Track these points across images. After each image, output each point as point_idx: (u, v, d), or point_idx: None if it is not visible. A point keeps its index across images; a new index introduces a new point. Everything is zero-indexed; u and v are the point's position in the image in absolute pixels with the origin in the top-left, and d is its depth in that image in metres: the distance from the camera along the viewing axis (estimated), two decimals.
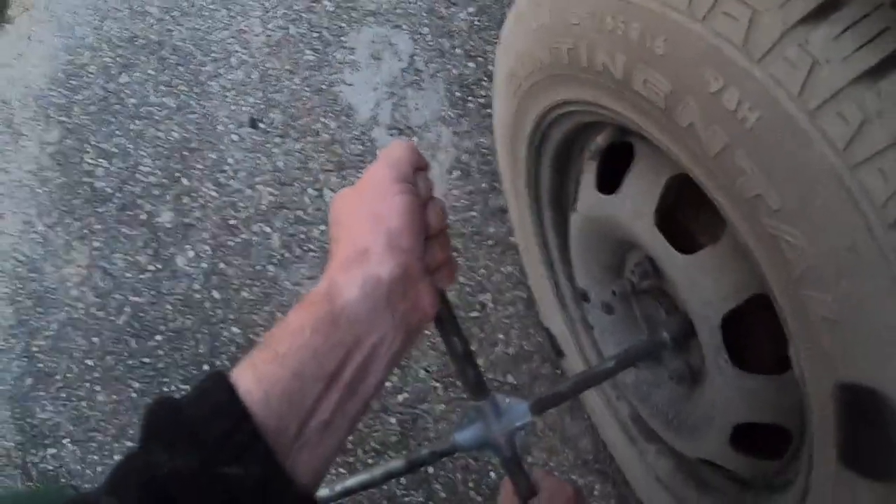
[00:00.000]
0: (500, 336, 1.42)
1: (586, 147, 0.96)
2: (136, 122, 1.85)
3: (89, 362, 1.66)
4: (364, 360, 0.42)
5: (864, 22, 0.47)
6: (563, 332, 1.28)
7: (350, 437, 1.49)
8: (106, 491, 0.35)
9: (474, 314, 1.42)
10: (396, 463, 0.70)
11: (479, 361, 1.45)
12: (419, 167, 0.49)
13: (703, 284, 0.71)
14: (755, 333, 0.72)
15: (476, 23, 1.62)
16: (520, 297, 1.41)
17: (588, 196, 0.91)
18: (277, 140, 1.65)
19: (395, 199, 0.45)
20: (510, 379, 1.41)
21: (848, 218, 0.47)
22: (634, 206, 0.79)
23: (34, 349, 1.71)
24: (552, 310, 1.29)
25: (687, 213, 0.78)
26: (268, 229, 1.57)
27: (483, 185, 1.47)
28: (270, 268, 1.54)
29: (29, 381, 1.69)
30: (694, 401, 0.84)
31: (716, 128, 0.54)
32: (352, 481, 0.70)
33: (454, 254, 1.49)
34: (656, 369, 0.94)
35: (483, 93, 1.54)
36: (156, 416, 0.38)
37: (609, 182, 0.85)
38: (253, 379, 0.39)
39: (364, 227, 0.44)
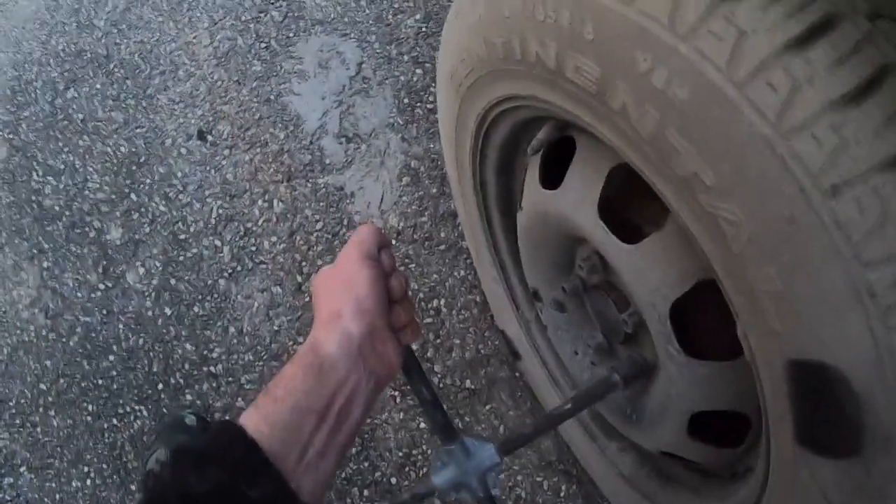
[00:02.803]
0: (456, 341, 1.41)
1: (528, 143, 0.95)
2: (84, 137, 1.81)
3: (42, 386, 1.62)
4: (346, 399, 0.52)
5: None
6: (518, 334, 1.28)
7: None
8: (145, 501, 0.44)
9: (429, 320, 1.41)
10: None
11: (436, 368, 1.46)
12: (383, 245, 0.60)
13: (648, 273, 0.71)
14: (704, 320, 0.71)
15: (423, 29, 1.62)
16: (474, 301, 1.41)
17: (532, 192, 0.91)
18: (226, 152, 1.63)
19: (362, 272, 0.56)
20: (468, 384, 1.41)
21: (784, 188, 0.46)
22: (577, 199, 0.79)
23: None
24: (506, 312, 1.28)
25: (630, 204, 0.77)
26: (218, 243, 1.55)
27: (433, 190, 1.46)
28: (222, 282, 1.51)
29: None
30: (650, 394, 0.84)
31: (647, 108, 0.54)
32: None
33: (407, 260, 1.46)
34: (610, 364, 0.92)
35: (431, 98, 1.54)
36: (181, 448, 0.47)
37: (553, 178, 0.85)
38: (258, 417, 0.48)
39: (338, 295, 0.55)
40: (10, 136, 1.89)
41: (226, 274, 1.52)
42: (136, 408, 1.51)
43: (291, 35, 1.73)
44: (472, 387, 1.40)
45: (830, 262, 0.46)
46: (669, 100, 0.51)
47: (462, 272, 1.42)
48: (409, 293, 0.62)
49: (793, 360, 0.52)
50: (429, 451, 1.41)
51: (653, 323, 0.73)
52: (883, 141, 0.44)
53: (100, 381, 1.56)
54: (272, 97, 1.66)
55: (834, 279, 0.46)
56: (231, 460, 0.45)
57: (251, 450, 0.46)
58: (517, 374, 1.39)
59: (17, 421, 1.61)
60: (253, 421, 0.48)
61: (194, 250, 1.55)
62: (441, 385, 1.41)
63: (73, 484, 1.53)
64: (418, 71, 1.58)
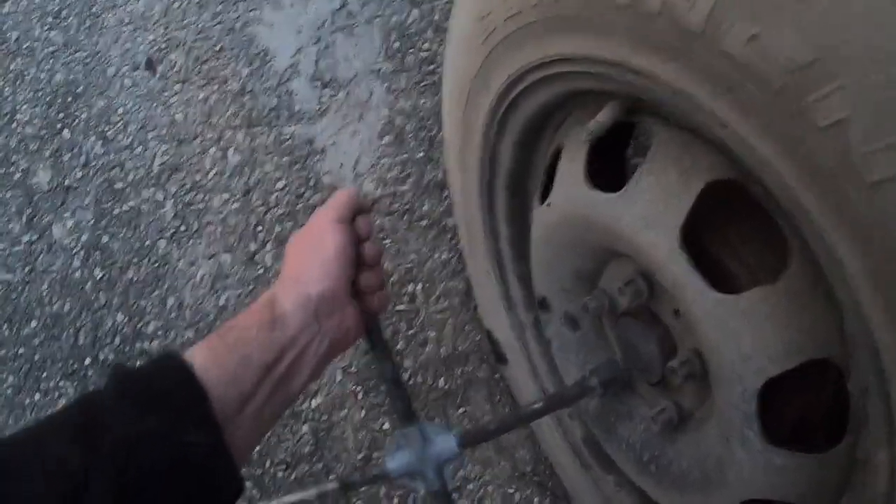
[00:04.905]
0: (432, 334, 1.22)
1: (566, 123, 0.75)
2: (17, 60, 1.57)
3: None
4: (294, 358, 0.53)
5: None
6: (508, 337, 1.12)
7: (257, 448, 1.25)
8: (73, 439, 0.43)
9: (402, 307, 1.22)
10: (330, 484, 0.71)
11: (407, 363, 1.28)
12: (360, 211, 0.62)
13: (744, 336, 0.55)
14: (795, 403, 0.59)
15: None
16: (455, 289, 1.22)
17: (570, 188, 0.71)
18: (177, 87, 1.40)
19: (330, 235, 0.58)
20: (442, 383, 1.23)
21: None
22: (647, 214, 0.59)
23: None
24: (496, 311, 1.11)
25: (723, 237, 0.61)
26: (160, 196, 1.34)
27: (419, 154, 1.25)
28: (162, 243, 1.31)
29: None
30: (680, 450, 0.70)
31: None
32: (289, 498, 0.67)
33: (382, 234, 1.24)
34: (628, 399, 0.78)
35: (427, 46, 1.30)
36: (124, 380, 0.47)
37: (599, 174, 0.66)
38: (208, 357, 0.49)
39: (304, 256, 0.58)
40: None
41: (167, 234, 1.32)
42: (61, 384, 1.34)
43: None
44: (446, 387, 1.23)
45: None
46: None
47: (445, 254, 1.22)
48: (382, 264, 0.63)
49: None
50: None
51: (728, 394, 0.57)
52: None
53: (21, 350, 1.37)
54: (237, 26, 1.42)
55: None
56: (174, 404, 0.46)
57: (197, 398, 0.47)
58: (497, 376, 1.22)
59: None
60: (201, 360, 0.49)
61: (131, 203, 1.35)
62: (411, 382, 1.23)
63: None
64: (415, 11, 1.34)
